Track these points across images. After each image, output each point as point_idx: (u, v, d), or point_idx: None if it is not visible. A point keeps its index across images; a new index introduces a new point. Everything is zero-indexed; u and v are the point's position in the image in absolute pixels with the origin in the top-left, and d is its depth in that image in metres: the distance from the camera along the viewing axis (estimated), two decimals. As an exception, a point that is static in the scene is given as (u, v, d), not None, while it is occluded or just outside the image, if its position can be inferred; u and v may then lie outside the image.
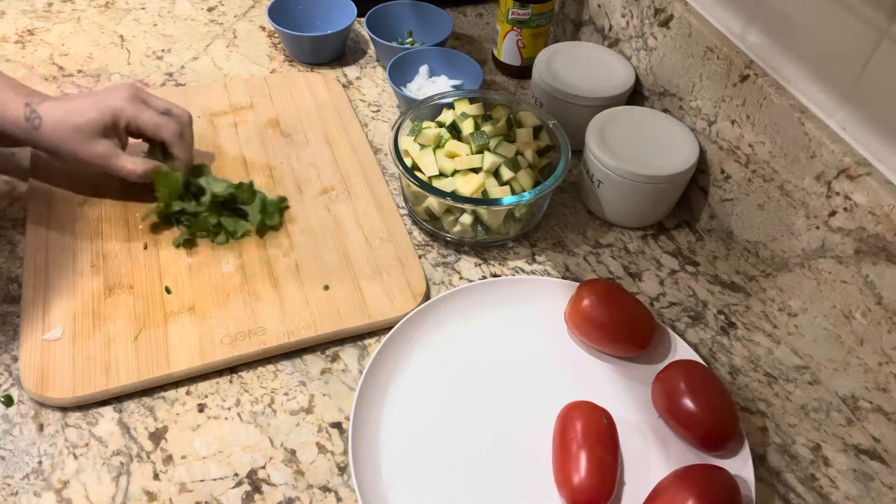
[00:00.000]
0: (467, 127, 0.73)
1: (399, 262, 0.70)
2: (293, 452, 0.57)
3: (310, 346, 0.64)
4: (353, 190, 0.77)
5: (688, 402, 0.56)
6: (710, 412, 0.56)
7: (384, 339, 0.62)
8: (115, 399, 0.59)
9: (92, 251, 0.68)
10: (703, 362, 0.61)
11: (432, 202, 0.71)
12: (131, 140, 0.73)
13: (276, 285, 0.67)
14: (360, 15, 0.95)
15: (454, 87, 0.89)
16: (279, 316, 0.64)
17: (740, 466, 0.55)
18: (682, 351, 0.63)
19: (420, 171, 0.72)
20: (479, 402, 0.61)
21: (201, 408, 0.59)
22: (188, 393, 0.60)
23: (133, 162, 0.70)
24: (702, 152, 0.74)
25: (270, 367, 0.62)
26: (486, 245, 0.74)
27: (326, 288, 0.67)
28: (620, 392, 0.62)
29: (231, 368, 0.62)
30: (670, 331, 0.65)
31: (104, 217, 0.71)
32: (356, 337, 0.65)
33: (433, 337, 0.64)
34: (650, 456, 0.58)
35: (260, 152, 0.80)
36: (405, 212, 0.77)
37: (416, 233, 0.75)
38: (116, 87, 0.71)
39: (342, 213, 0.75)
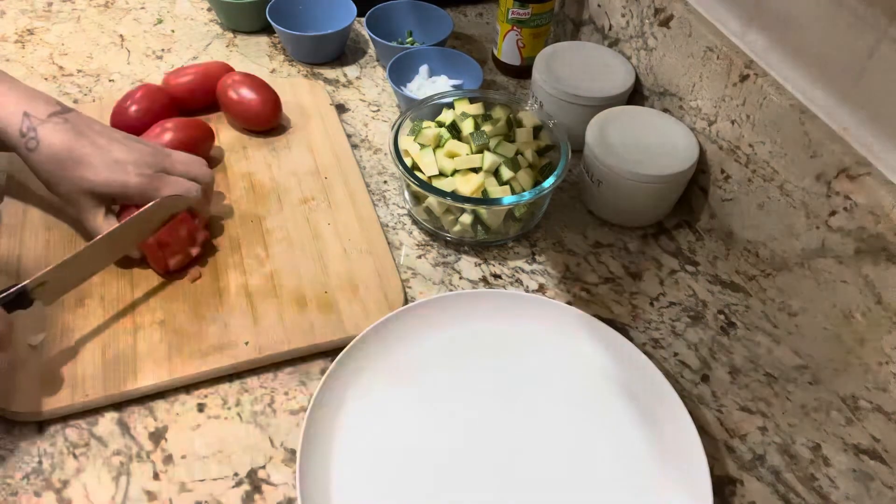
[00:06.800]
0: (467, 127, 0.73)
1: (377, 276, 0.68)
2: (293, 452, 0.57)
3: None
4: (334, 200, 0.75)
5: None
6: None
7: (330, 367, 0.59)
8: (115, 399, 0.59)
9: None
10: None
11: (432, 202, 0.71)
12: None
13: (250, 297, 0.65)
14: (360, 15, 0.95)
15: (454, 86, 0.89)
16: (252, 329, 0.62)
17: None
18: None
19: (420, 170, 0.72)
20: (430, 429, 0.58)
21: (201, 407, 0.59)
22: (188, 392, 0.60)
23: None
24: (702, 152, 0.74)
25: (270, 367, 0.62)
26: (486, 245, 0.74)
27: (302, 300, 0.65)
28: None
29: (231, 368, 0.62)
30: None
31: (78, 226, 0.69)
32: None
33: (383, 360, 0.61)
34: None
35: (240, 158, 0.79)
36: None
37: (416, 233, 0.75)
38: (139, 151, 0.63)
39: (321, 224, 0.73)
